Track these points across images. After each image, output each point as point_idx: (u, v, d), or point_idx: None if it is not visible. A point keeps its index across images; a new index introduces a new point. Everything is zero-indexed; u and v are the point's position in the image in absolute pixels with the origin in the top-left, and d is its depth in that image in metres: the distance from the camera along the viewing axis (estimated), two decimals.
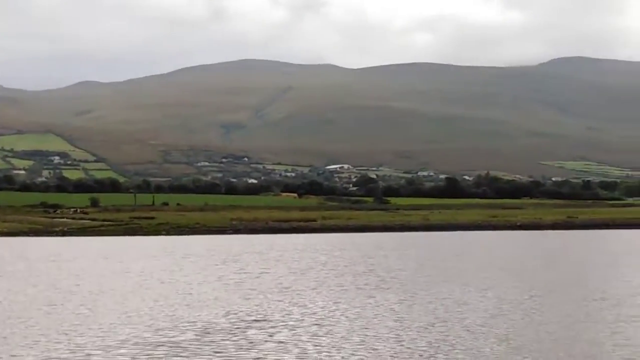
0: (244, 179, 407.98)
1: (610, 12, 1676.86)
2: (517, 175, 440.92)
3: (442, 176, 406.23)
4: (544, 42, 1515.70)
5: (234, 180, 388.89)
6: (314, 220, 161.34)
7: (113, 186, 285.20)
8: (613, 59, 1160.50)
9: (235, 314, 45.67)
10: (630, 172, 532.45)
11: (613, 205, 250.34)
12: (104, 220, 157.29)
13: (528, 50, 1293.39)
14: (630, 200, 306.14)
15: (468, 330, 39.99)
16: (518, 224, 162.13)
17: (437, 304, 49.32)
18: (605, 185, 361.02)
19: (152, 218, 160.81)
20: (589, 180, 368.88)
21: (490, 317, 44.09)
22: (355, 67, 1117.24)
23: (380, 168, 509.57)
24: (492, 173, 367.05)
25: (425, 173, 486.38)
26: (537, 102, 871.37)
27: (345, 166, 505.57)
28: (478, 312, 45.92)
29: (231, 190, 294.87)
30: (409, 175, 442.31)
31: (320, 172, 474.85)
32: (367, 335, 38.75)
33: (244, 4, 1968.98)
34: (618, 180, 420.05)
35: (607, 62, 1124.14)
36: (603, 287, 58.68)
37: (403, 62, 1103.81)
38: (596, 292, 55.37)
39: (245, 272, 70.78)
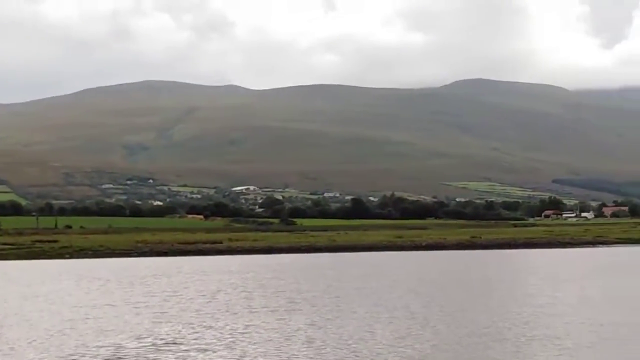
0: (149, 201, 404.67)
1: (511, 35, 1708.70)
2: (422, 196, 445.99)
3: (348, 197, 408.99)
4: (446, 64, 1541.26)
5: (138, 202, 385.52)
6: (220, 242, 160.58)
7: (15, 209, 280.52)
8: (514, 81, 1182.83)
9: (146, 337, 45.29)
10: (531, 193, 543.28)
11: (515, 225, 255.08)
12: (4, 243, 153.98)
13: (431, 73, 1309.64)
14: (531, 220, 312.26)
15: (378, 350, 40.34)
16: (423, 244, 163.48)
17: (348, 324, 49.61)
18: (507, 206, 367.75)
19: (55, 241, 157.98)
20: (491, 201, 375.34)
21: (400, 337, 44.52)
22: (260, 88, 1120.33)
23: (286, 189, 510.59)
24: (397, 194, 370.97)
25: (331, 194, 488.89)
26: (440, 124, 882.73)
27: (251, 187, 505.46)
28: (388, 332, 46.34)
29: (136, 212, 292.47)
30: (315, 197, 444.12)
31: (226, 193, 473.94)
32: (280, 357, 38.84)
33: (148, 24, 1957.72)
34: (520, 201, 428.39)
35: (509, 84, 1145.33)
36: (507, 306, 59.68)
37: (308, 83, 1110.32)
38: (500, 311, 56.28)
39: (153, 295, 70.12)
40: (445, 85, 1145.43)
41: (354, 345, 41.96)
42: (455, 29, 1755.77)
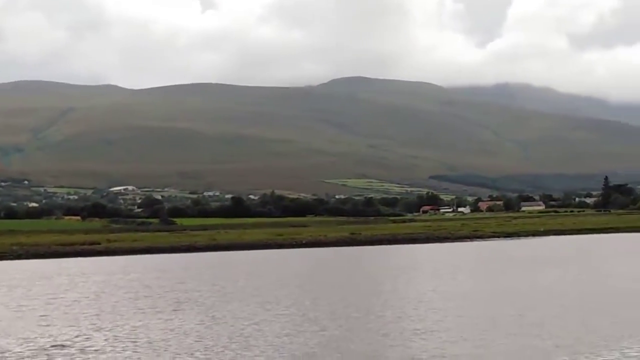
0: (25, 203, 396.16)
1: (387, 33, 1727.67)
2: (302, 194, 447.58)
3: (228, 196, 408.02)
4: (324, 62, 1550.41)
5: (13, 204, 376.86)
6: (99, 243, 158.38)
7: None
8: (391, 78, 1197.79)
9: (32, 341, 44.85)
10: (409, 189, 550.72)
11: (394, 221, 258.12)
12: None
13: (309, 71, 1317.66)
14: (410, 215, 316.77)
15: (266, 347, 40.86)
16: (304, 241, 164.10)
17: (235, 323, 49.99)
18: (386, 202, 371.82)
19: None
20: (370, 197, 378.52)
21: (287, 334, 45.09)
22: (137, 88, 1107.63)
23: (165, 189, 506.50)
24: (277, 192, 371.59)
25: (210, 193, 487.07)
26: (319, 122, 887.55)
27: (130, 188, 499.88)
28: (276, 328, 46.89)
29: (11, 214, 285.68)
30: (195, 196, 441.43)
31: (104, 194, 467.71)
32: (169, 357, 39.03)
33: (21, 23, 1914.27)
34: (398, 197, 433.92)
35: (386, 82, 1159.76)
36: (390, 301, 60.84)
37: (185, 82, 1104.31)
38: (383, 306, 57.38)
39: (35, 299, 69.08)
40: (324, 84, 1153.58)
41: (243, 343, 42.39)
42: (333, 27, 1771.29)
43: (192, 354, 39.83)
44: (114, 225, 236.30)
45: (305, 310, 55.61)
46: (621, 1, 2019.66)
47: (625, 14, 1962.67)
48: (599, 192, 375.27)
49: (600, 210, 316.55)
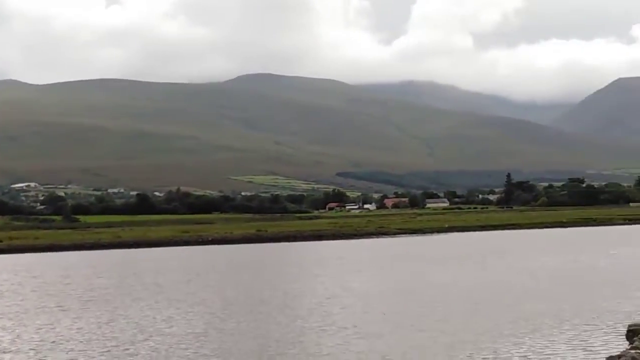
0: None
1: (294, 30, 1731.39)
2: (208, 191, 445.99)
3: (133, 193, 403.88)
4: (230, 59, 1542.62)
5: None
6: (0, 241, 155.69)
7: None
8: (298, 75, 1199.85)
9: None
10: (315, 186, 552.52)
11: (300, 218, 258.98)
12: None
13: (214, 67, 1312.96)
14: (316, 212, 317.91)
15: (175, 345, 40.74)
16: (210, 238, 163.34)
17: (143, 320, 49.71)
18: (292, 199, 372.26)
19: None
20: (277, 194, 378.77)
21: (196, 332, 45.03)
22: (40, 83, 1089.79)
23: (69, 186, 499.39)
24: (183, 189, 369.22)
25: (115, 190, 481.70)
26: (225, 118, 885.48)
27: (32, 184, 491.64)
28: (184, 326, 46.77)
29: None
30: (99, 193, 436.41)
31: (6, 191, 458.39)
32: (77, 356, 38.66)
33: None
34: (305, 194, 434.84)
35: (292, 79, 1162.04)
36: (300, 298, 61.11)
37: (89, 77, 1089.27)
38: (289, 303, 57.62)
39: None
40: (229, 80, 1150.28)
41: (150, 341, 42.18)
42: (239, 24, 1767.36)
43: (98, 353, 39.47)
44: (16, 223, 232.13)
45: (213, 308, 55.52)
46: (525, 1, 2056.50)
47: (529, 14, 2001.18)
48: (502, 189, 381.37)
49: (503, 207, 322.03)
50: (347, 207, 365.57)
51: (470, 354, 36.69)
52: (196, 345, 40.89)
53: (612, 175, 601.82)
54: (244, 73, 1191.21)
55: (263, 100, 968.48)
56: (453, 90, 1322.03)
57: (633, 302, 50.33)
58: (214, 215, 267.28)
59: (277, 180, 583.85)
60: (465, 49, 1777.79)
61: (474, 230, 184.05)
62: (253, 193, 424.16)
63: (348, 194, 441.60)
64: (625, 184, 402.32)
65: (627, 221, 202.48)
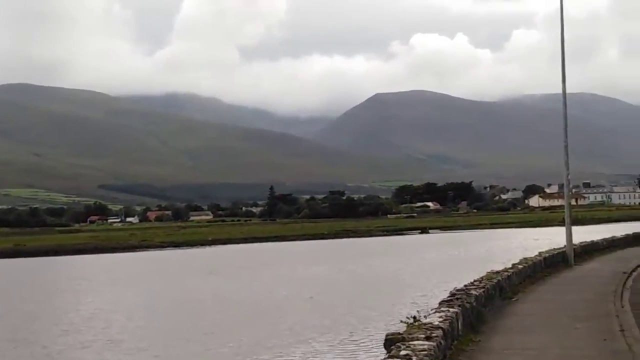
0: None
1: (52, 39, 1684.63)
2: None
3: None
4: None
5: None
6: None
7: None
8: (57, 86, 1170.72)
9: None
10: (77, 199, 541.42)
11: (61, 232, 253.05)
12: None
13: None
14: (77, 225, 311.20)
15: None
16: None
17: None
18: (52, 212, 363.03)
19: None
20: (36, 208, 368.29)
21: None
22: None
23: None
24: None
25: None
26: None
27: None
28: None
29: None
30: None
31: None
32: None
33: None
34: (65, 207, 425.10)
35: (52, 90, 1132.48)
36: (58, 315, 59.46)
37: None
38: (52, 320, 55.98)
39: None
40: None
41: None
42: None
43: None
44: None
45: None
46: (288, 14, 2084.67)
47: (292, 28, 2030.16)
48: (265, 201, 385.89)
49: (267, 219, 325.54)
50: (110, 220, 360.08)
51: None
52: None
53: (371, 188, 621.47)
54: (4, 82, 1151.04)
55: (21, 111, 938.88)
56: (216, 102, 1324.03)
57: (394, 310, 51.74)
58: None
59: (36, 193, 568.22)
60: (229, 61, 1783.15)
61: (238, 242, 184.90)
62: (10, 206, 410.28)
63: (110, 207, 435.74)
64: (383, 196, 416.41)
65: (385, 233, 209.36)
